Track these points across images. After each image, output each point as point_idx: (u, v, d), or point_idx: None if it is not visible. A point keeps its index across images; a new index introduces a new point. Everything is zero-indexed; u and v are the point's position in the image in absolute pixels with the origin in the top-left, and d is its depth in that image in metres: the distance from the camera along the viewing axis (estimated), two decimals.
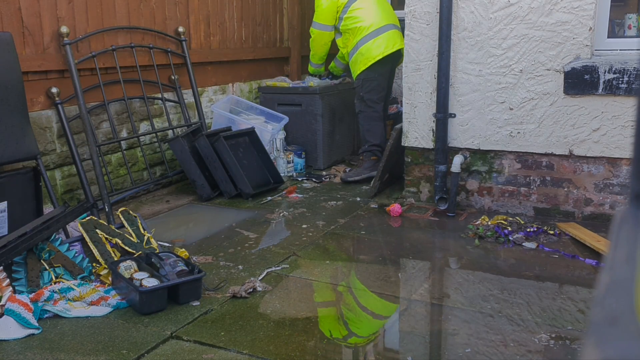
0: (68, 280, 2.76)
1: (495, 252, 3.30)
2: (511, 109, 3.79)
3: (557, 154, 3.73)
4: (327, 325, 2.50)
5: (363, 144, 4.94)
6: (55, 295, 2.60)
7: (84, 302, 2.64)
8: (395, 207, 3.96)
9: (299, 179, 4.97)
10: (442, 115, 3.92)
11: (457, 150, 4.00)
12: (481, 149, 3.93)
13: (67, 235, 3.28)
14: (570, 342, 2.31)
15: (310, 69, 5.50)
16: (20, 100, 3.27)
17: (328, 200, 4.35)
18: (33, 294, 2.57)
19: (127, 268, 2.78)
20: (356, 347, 2.36)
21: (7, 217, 3.15)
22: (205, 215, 4.13)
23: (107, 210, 3.74)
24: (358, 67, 4.79)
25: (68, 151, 3.81)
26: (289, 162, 5.12)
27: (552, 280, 2.89)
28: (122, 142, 4.23)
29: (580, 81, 3.56)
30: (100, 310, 2.59)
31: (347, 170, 5.19)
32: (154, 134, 4.54)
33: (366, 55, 4.72)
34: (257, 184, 4.54)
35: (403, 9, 4.14)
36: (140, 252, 3.02)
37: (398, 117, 5.79)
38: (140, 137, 4.38)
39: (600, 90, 3.53)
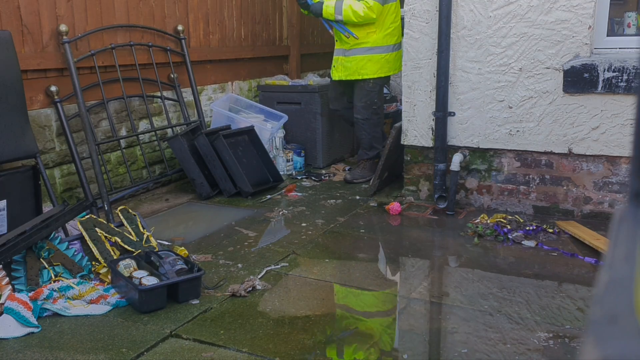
0: (67, 278, 2.76)
1: (494, 250, 3.30)
2: (510, 108, 3.79)
3: (556, 152, 3.73)
4: (326, 324, 2.50)
5: (367, 150, 4.77)
6: (54, 293, 2.60)
7: (84, 300, 2.64)
8: (394, 206, 3.96)
9: (299, 178, 4.97)
10: (442, 113, 3.92)
11: (456, 149, 4.00)
12: (480, 147, 3.93)
13: (66, 233, 3.27)
14: (569, 340, 2.31)
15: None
16: (20, 98, 3.27)
17: (327, 198, 4.35)
18: (32, 292, 2.57)
19: (127, 266, 2.78)
20: (355, 345, 2.36)
21: (7, 216, 3.15)
22: (204, 213, 4.13)
23: (106, 208, 3.74)
24: (380, 70, 4.58)
25: (67, 150, 3.81)
26: (288, 161, 5.12)
27: (551, 279, 2.90)
28: (121, 140, 4.23)
29: (579, 80, 3.56)
30: (100, 309, 2.59)
31: (347, 169, 5.18)
32: (153, 133, 4.54)
33: (392, 65, 4.63)
34: (257, 182, 4.54)
35: (402, 7, 4.13)
36: (139, 250, 3.02)
37: (397, 115, 5.79)
38: (139, 136, 4.38)
39: (600, 89, 3.53)
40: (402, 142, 4.20)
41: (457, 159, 3.88)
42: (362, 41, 4.51)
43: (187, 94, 4.87)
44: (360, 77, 4.59)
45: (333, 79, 4.78)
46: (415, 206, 4.12)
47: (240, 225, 3.78)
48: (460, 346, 2.28)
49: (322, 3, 4.48)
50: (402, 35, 4.46)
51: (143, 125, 4.49)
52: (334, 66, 4.74)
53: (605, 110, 3.55)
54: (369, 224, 3.79)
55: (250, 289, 2.77)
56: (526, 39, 3.68)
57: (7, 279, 2.61)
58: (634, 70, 3.43)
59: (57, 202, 3.49)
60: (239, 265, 3.10)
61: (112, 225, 3.19)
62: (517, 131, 3.79)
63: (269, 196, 4.41)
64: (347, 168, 5.21)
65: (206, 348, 2.28)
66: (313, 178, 4.93)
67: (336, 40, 4.70)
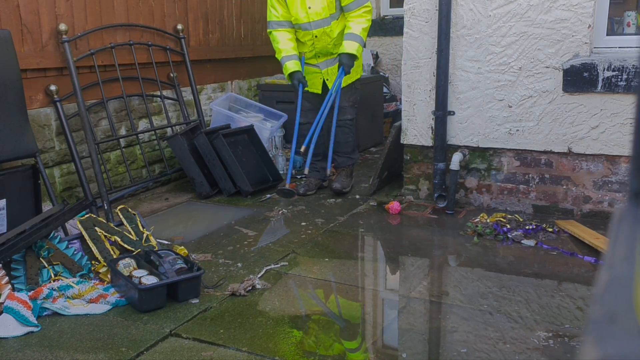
0: (67, 278, 2.76)
1: (494, 249, 3.30)
2: (510, 107, 3.79)
3: (556, 151, 3.73)
4: (325, 323, 2.50)
5: (351, 154, 4.46)
6: (54, 293, 2.60)
7: (83, 299, 2.64)
8: (394, 205, 3.96)
9: (298, 177, 4.97)
10: (441, 112, 3.92)
11: (456, 148, 3.99)
12: (480, 146, 3.93)
13: (66, 233, 3.28)
14: (568, 339, 2.31)
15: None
16: (19, 97, 3.27)
17: (327, 197, 4.35)
18: (32, 291, 2.57)
19: (126, 266, 2.78)
20: (355, 344, 2.36)
21: (6, 215, 3.15)
22: (204, 213, 4.13)
23: (106, 208, 3.74)
24: (361, 67, 4.45)
25: (67, 149, 3.81)
26: (288, 160, 5.11)
27: (550, 278, 2.90)
28: (121, 139, 4.23)
29: (579, 79, 3.56)
30: (99, 308, 2.59)
31: (333, 176, 4.66)
32: (153, 132, 4.54)
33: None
34: (256, 181, 4.54)
35: (402, 6, 4.13)
36: (139, 249, 3.02)
37: (397, 114, 5.79)
38: (139, 135, 4.38)
39: (599, 88, 3.53)
40: (401, 142, 4.20)
41: (456, 158, 3.88)
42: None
43: (187, 93, 4.87)
44: (357, 77, 4.35)
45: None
46: (415, 205, 4.12)
47: (239, 224, 3.78)
48: (459, 345, 2.28)
49: (348, 55, 4.02)
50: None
51: (143, 124, 4.49)
52: (327, 79, 4.27)
53: (605, 110, 3.55)
54: (368, 223, 3.79)
55: (250, 288, 2.77)
56: (526, 38, 3.68)
57: (7, 278, 2.61)
58: (633, 70, 3.42)
59: (56, 201, 3.49)
60: (239, 264, 3.10)
61: (112, 225, 3.19)
62: (517, 130, 3.79)
63: (268, 195, 4.41)
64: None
65: (206, 347, 2.28)
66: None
67: (318, 56, 4.25)
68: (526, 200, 3.87)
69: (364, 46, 4.14)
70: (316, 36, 4.14)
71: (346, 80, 4.26)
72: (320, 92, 4.35)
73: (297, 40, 4.26)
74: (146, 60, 4.44)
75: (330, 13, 4.08)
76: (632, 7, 4.37)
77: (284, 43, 4.17)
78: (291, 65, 4.11)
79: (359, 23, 4.06)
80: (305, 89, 4.27)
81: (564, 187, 3.75)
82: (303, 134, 4.43)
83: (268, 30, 4.26)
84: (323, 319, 2.54)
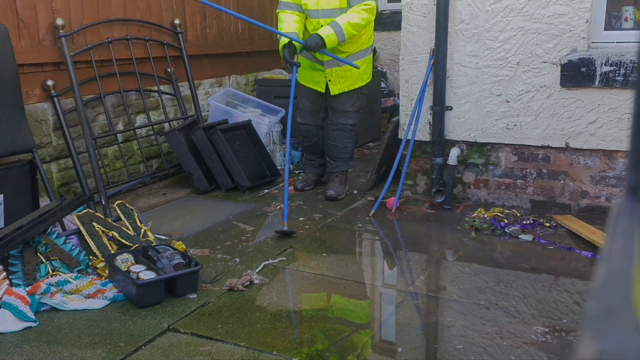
0: (65, 273, 2.76)
1: (491, 244, 3.30)
2: (508, 102, 3.79)
3: (553, 146, 3.73)
4: (323, 317, 2.50)
5: (349, 160, 4.30)
6: (52, 288, 2.60)
7: (81, 295, 2.64)
8: (391, 200, 3.96)
9: (296, 172, 4.96)
10: (439, 108, 3.92)
11: (453, 143, 3.99)
12: (478, 141, 3.93)
13: (63, 228, 3.27)
14: (565, 334, 2.32)
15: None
16: (16, 93, 3.26)
17: (325, 192, 4.34)
18: (30, 287, 2.57)
19: (124, 261, 2.78)
20: (352, 339, 2.36)
21: (4, 210, 3.14)
22: (202, 208, 4.13)
23: (103, 203, 3.74)
24: (371, 70, 4.23)
25: (64, 144, 3.80)
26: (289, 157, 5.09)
27: (548, 273, 2.90)
28: (118, 135, 4.22)
29: (576, 74, 3.56)
30: (97, 303, 2.60)
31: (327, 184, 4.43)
32: (151, 127, 4.53)
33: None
34: (254, 176, 4.53)
35: (400, 1, 4.12)
36: (137, 245, 3.01)
37: (395, 109, 5.79)
38: (136, 130, 4.37)
39: (597, 83, 3.53)
40: (399, 137, 4.19)
41: (454, 153, 3.88)
42: (358, 44, 4.05)
43: (184, 88, 4.86)
44: (364, 83, 4.12)
45: (332, 94, 4.09)
46: (413, 200, 4.12)
47: (237, 219, 3.78)
48: (456, 340, 2.29)
49: (318, 36, 3.76)
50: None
51: (140, 119, 4.48)
52: (329, 80, 4.07)
53: (603, 105, 3.56)
54: (366, 218, 3.79)
55: (248, 283, 2.77)
56: (524, 33, 3.67)
57: (5, 273, 2.61)
58: (631, 64, 3.43)
59: (54, 196, 3.49)
60: (237, 259, 3.10)
61: (110, 220, 3.18)
62: (515, 125, 3.79)
63: (266, 190, 4.41)
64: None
65: (204, 342, 2.28)
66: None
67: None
68: (523, 195, 3.88)
69: (343, 40, 3.80)
70: (322, 25, 3.89)
71: (353, 85, 4.09)
72: (323, 91, 4.14)
73: (306, 29, 4.03)
74: (143, 55, 4.43)
75: (341, 6, 3.88)
76: (629, 2, 4.36)
77: (287, 23, 3.90)
78: (288, 37, 3.82)
79: (349, 15, 3.80)
80: (309, 86, 4.12)
81: (562, 182, 3.76)
82: (303, 134, 4.37)
83: (277, 10, 4.04)
84: (321, 313, 2.54)
